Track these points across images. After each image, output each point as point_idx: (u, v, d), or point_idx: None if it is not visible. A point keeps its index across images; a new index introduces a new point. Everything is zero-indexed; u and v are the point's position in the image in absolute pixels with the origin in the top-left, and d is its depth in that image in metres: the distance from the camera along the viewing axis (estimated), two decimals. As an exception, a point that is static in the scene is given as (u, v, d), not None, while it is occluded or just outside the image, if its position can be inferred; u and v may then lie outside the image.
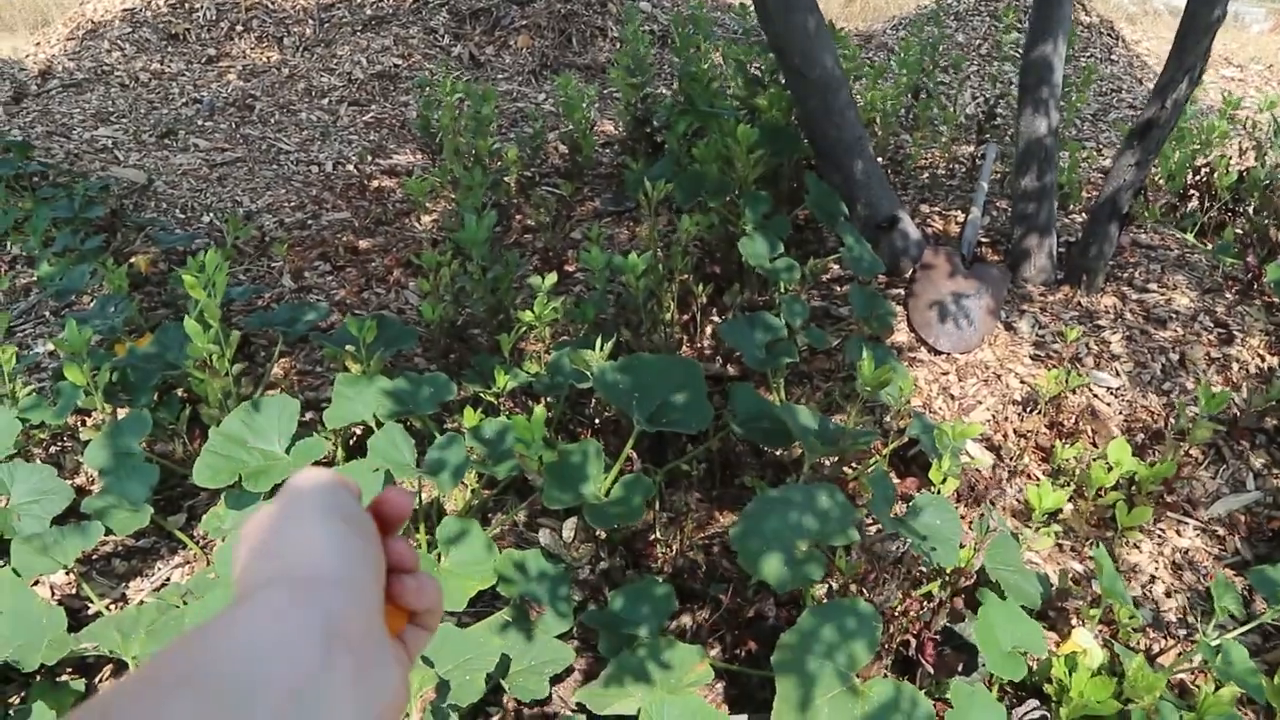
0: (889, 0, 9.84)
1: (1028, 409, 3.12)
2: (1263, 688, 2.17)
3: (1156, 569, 2.76)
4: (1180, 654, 2.49)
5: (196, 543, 2.81)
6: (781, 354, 2.87)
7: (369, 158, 5.38)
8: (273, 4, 6.95)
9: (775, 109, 3.71)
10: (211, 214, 4.71)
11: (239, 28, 6.81)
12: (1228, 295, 3.66)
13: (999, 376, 3.22)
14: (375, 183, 5.08)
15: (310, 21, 6.81)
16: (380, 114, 5.98)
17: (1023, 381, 3.21)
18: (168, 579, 2.77)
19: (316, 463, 2.66)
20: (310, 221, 4.67)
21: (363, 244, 4.42)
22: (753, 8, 3.37)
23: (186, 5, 6.95)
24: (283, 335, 3.36)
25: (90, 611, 2.64)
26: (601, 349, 2.69)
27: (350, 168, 5.29)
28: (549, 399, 3.02)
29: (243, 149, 5.45)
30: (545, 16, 6.90)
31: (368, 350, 2.94)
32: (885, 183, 3.62)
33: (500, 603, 2.49)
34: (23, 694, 2.37)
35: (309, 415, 3.18)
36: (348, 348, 2.97)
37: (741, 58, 4.14)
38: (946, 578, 2.34)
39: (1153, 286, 3.66)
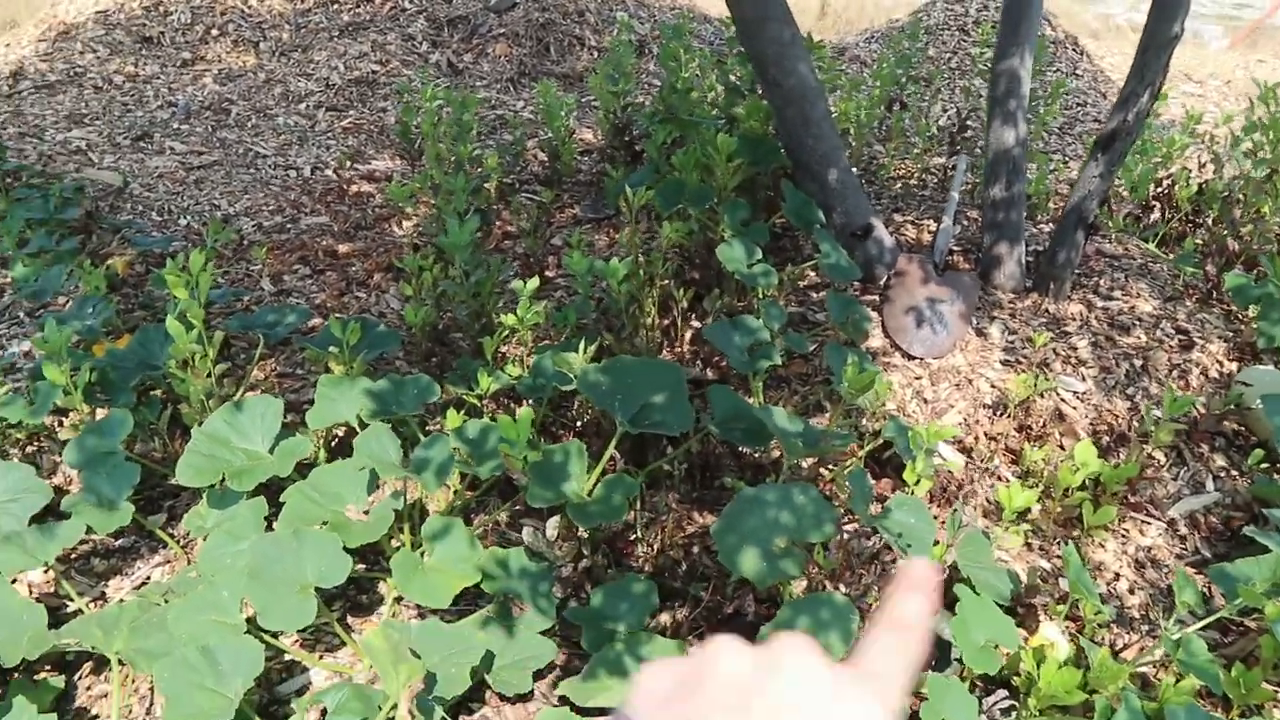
0: (860, 13, 10.00)
1: (998, 412, 3.21)
2: (1220, 679, 2.26)
3: (1121, 567, 2.85)
4: (1143, 648, 2.58)
5: (178, 542, 2.84)
6: (763, 357, 2.94)
7: (348, 163, 5.41)
8: (248, 8, 6.97)
9: (754, 119, 3.79)
10: (189, 217, 4.72)
11: (214, 31, 6.82)
12: (1188, 303, 3.78)
13: (970, 381, 3.30)
14: (354, 188, 5.12)
15: (287, 26, 6.83)
16: (358, 119, 6.01)
17: (993, 385, 3.30)
18: (148, 578, 2.80)
19: (301, 463, 2.70)
20: (289, 226, 4.70)
21: (342, 248, 4.45)
22: (731, 19, 3.45)
23: (161, 8, 6.95)
24: (264, 337, 3.39)
25: (69, 609, 2.66)
26: (585, 351, 2.75)
27: (329, 173, 5.32)
28: (532, 401, 3.07)
29: (219, 153, 5.46)
30: (523, 25, 6.96)
31: (351, 352, 2.98)
32: (860, 191, 3.71)
33: (484, 600, 2.54)
34: (1, 690, 2.39)
35: (290, 416, 3.20)
36: (331, 349, 3.01)
37: (722, 68, 4.22)
38: (920, 574, 2.41)
39: (1117, 294, 3.77)
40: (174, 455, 2.84)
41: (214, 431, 2.66)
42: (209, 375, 2.82)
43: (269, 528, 2.56)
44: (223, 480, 2.53)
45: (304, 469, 2.73)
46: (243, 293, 4.01)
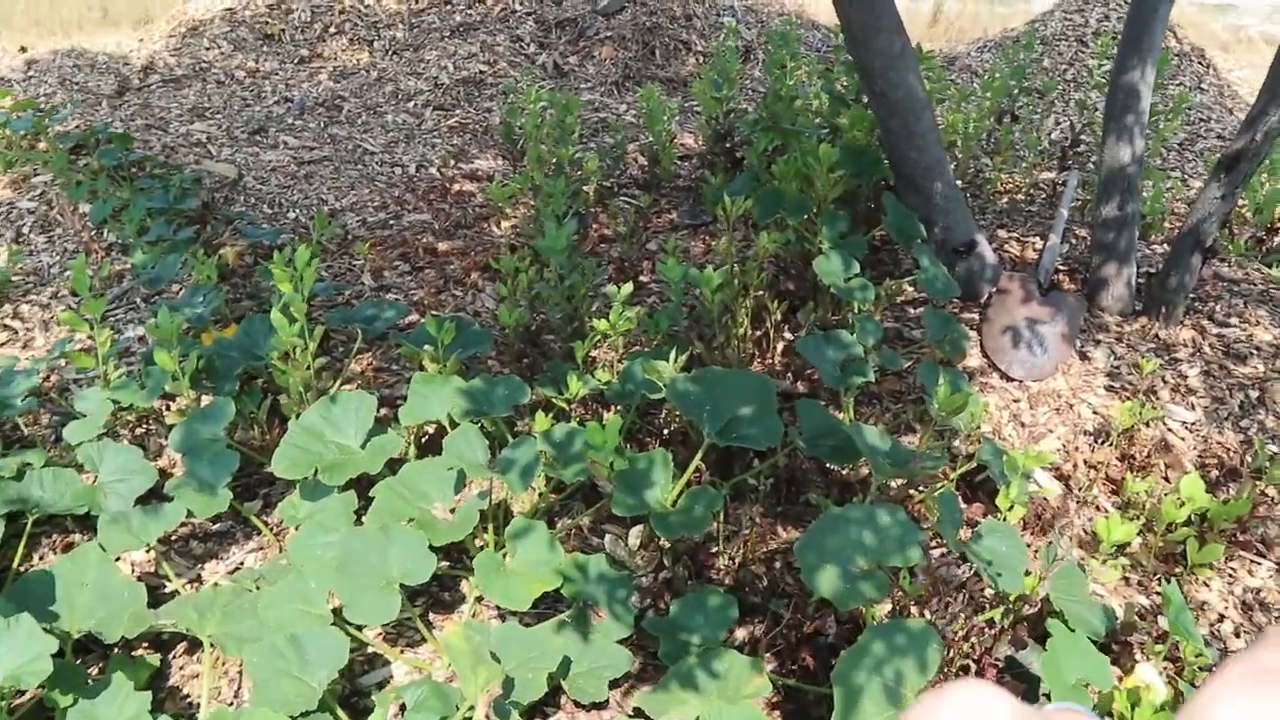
0: (974, 22, 9.79)
1: (1099, 440, 3.10)
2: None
3: (1225, 608, 2.72)
4: (1247, 696, 2.45)
5: (271, 530, 2.91)
6: (856, 373, 2.88)
7: (451, 162, 5.49)
8: (365, 7, 7.13)
9: (857, 129, 3.73)
10: (297, 210, 4.84)
11: (332, 30, 6.99)
12: (1313, 334, 3.59)
13: (1071, 406, 3.20)
14: (456, 186, 5.19)
15: (401, 26, 6.97)
16: (464, 119, 6.09)
17: (1095, 412, 3.18)
18: (241, 563, 2.87)
19: (392, 459, 2.74)
20: (392, 222, 4.79)
21: (442, 246, 4.52)
22: (840, 28, 3.39)
23: (284, 6, 7.16)
24: (362, 332, 3.46)
25: (168, 589, 2.75)
26: (675, 360, 2.73)
27: (433, 171, 5.41)
28: (620, 407, 3.07)
29: (330, 148, 5.59)
30: (630, 28, 6.98)
31: (445, 351, 3.02)
32: (964, 206, 3.62)
33: (563, 604, 2.54)
34: (101, 664, 2.48)
35: (383, 411, 3.27)
36: (425, 347, 3.05)
37: (828, 76, 4.16)
38: (1010, 605, 2.34)
39: (1234, 321, 3.60)
40: (272, 444, 2.91)
41: (309, 425, 2.72)
42: (308, 368, 2.88)
43: (358, 522, 2.60)
44: (315, 473, 2.58)
45: (394, 465, 2.77)
46: (344, 287, 4.09)
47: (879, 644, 2.00)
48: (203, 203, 4.58)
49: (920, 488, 2.89)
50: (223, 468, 2.70)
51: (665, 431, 3.18)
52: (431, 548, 2.38)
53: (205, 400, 3.01)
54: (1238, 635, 2.65)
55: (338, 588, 2.29)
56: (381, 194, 5.08)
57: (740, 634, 2.57)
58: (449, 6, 7.15)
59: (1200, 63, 7.05)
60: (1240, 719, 0.49)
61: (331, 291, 3.94)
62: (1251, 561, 2.85)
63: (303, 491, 2.68)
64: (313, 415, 2.72)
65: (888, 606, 2.50)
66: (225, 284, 3.98)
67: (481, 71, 6.58)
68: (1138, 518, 2.85)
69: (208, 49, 6.80)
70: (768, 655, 2.48)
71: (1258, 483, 2.91)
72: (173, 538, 2.94)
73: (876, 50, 3.25)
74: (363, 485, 2.71)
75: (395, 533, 2.37)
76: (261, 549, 2.91)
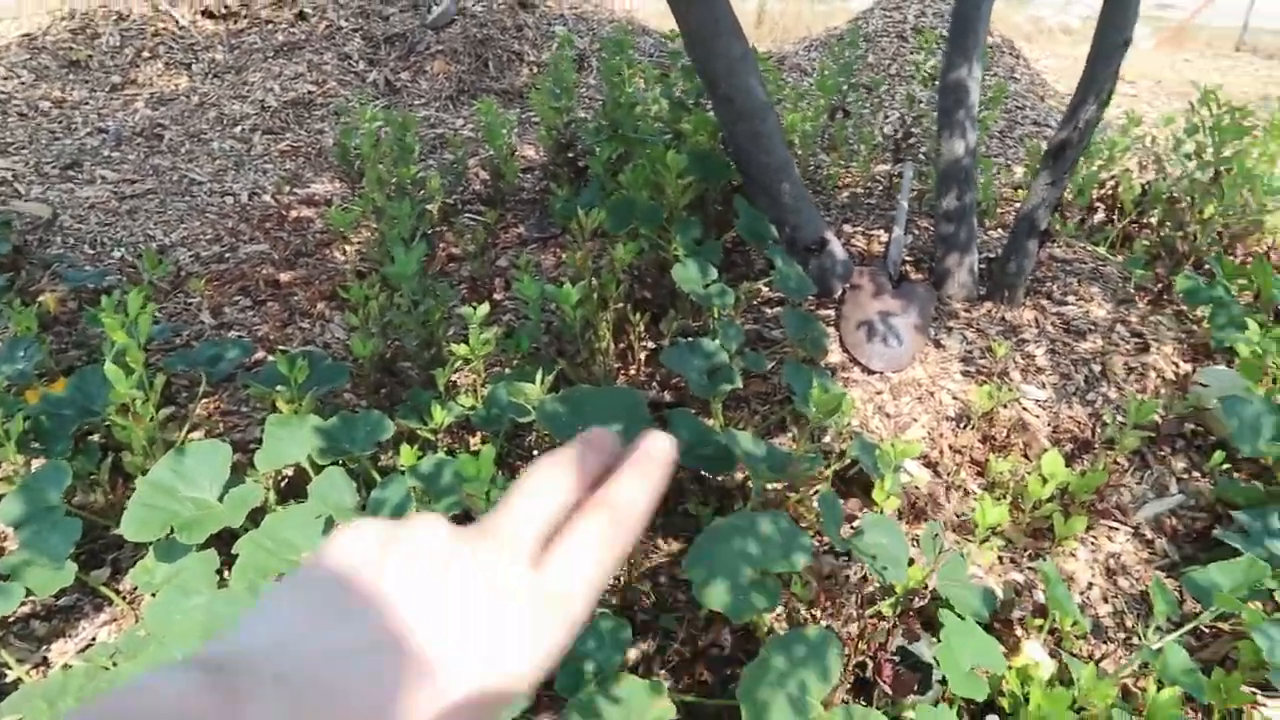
0: (797, 21, 10.03)
1: (961, 424, 3.18)
2: (1203, 687, 2.23)
3: (1092, 576, 2.82)
4: (1120, 658, 2.55)
5: (124, 598, 2.70)
6: (723, 379, 2.87)
7: (286, 187, 5.27)
8: (180, 30, 6.79)
9: (701, 133, 3.74)
10: (123, 249, 4.56)
11: (145, 54, 6.64)
12: (1141, 306, 3.79)
13: (932, 393, 3.27)
14: (293, 213, 4.98)
15: (220, 48, 6.67)
16: (295, 142, 5.87)
17: (955, 397, 3.27)
18: (93, 639, 2.65)
19: (254, 510, 2.58)
20: (228, 255, 4.55)
21: (284, 277, 4.32)
22: (679, 34, 3.39)
23: (89, 30, 6.75)
24: (206, 375, 3.26)
25: (9, 679, 2.51)
26: (542, 381, 2.66)
27: (267, 198, 5.18)
28: (488, 433, 2.98)
29: (153, 180, 5.29)
30: (461, 41, 6.86)
31: (299, 389, 2.87)
32: (812, 205, 3.67)
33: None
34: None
35: (237, 456, 3.08)
36: (278, 387, 2.89)
37: (667, 81, 4.16)
38: (899, 597, 2.37)
39: (1070, 299, 3.77)
40: (117, 505, 2.70)
41: (159, 481, 2.53)
42: (151, 420, 2.69)
43: (222, 581, 2.44)
44: (170, 533, 2.40)
45: (256, 516, 2.61)
46: (182, 328, 3.87)
47: (779, 657, 1.98)
48: (14, 247, 4.24)
49: (795, 489, 2.90)
50: (64, 537, 2.48)
51: (536, 453, 3.10)
52: (304, 601, 2.24)
53: (37, 464, 2.78)
54: (1105, 600, 2.76)
55: (204, 655, 2.13)
56: (214, 226, 4.83)
57: (632, 654, 2.51)
58: (270, 26, 6.88)
59: (1011, 54, 7.41)
60: None
61: (168, 334, 3.71)
62: (1110, 528, 2.97)
63: (157, 553, 2.48)
64: (162, 470, 2.53)
65: (780, 611, 2.50)
66: (48, 334, 3.70)
67: (310, 92, 6.35)
68: (1004, 497, 2.93)
69: (5, 79, 6.35)
70: (662, 674, 2.44)
71: (1110, 453, 3.04)
72: (10, 620, 2.69)
73: (718, 54, 3.26)
74: (224, 541, 2.53)
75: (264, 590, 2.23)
76: (115, 620, 2.69)
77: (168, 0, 6.80)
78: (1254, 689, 2.49)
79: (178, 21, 6.77)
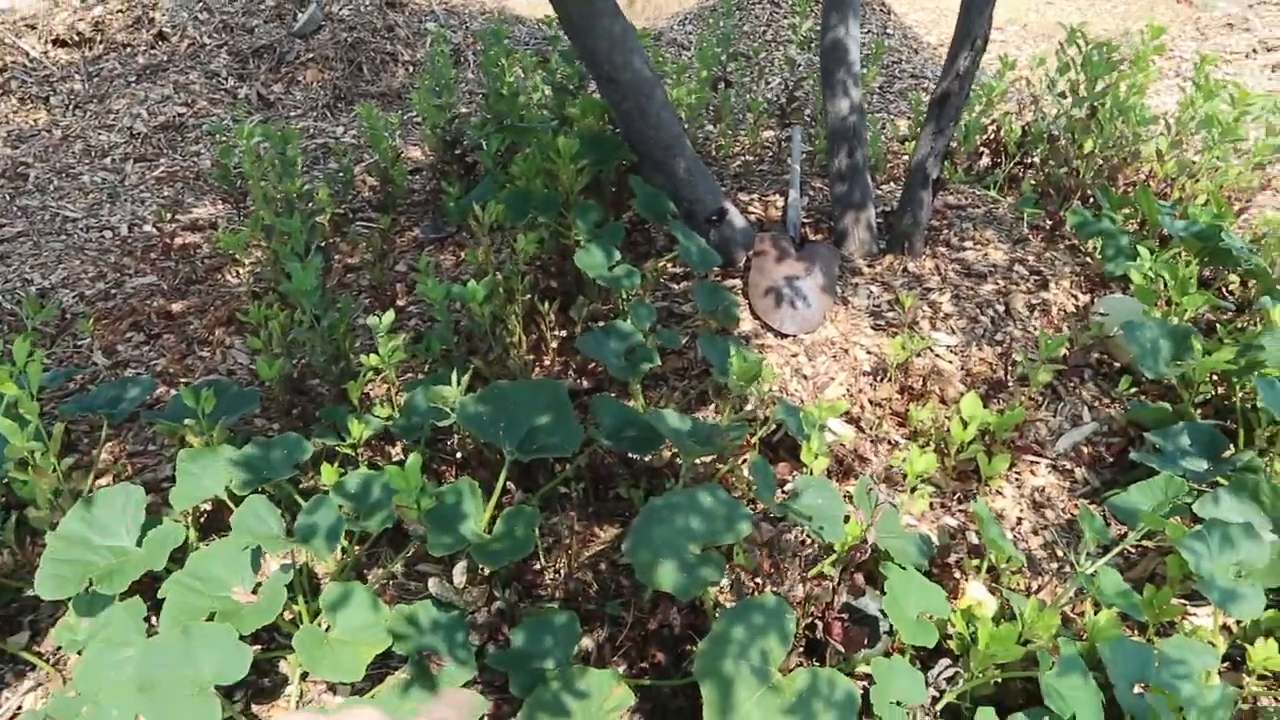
0: (668, -4, 10.02)
1: (878, 378, 3.22)
2: (1138, 605, 2.30)
3: (1021, 511, 2.89)
4: (1056, 588, 2.62)
5: (47, 660, 2.57)
6: (642, 359, 2.86)
7: (167, 215, 5.07)
8: (32, 61, 6.47)
9: (589, 116, 3.70)
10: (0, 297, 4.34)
11: (-5, 91, 6.31)
12: (1035, 243, 3.88)
13: (846, 350, 3.30)
14: (179, 240, 4.80)
15: (78, 77, 6.37)
16: (172, 167, 5.65)
17: (868, 352, 3.31)
18: (19, 708, 2.51)
19: (175, 551, 2.47)
20: (114, 291, 4.37)
21: (176, 307, 4.16)
22: (557, 18, 3.34)
23: (-70, 73, 6.40)
24: (107, 418, 3.12)
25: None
26: (459, 382, 2.61)
27: (148, 228, 4.98)
28: (409, 442, 2.91)
29: (23, 222, 5.05)
30: (332, 48, 6.68)
31: (208, 420, 2.76)
32: (708, 177, 3.67)
33: (398, 662, 2.38)
34: None
35: (151, 498, 2.96)
36: (186, 421, 2.78)
37: (547, 68, 4.11)
38: (837, 555, 2.38)
39: (968, 244, 3.84)
40: (27, 565, 2.57)
41: (70, 533, 2.41)
42: (54, 471, 2.56)
43: (151, 629, 2.34)
44: (89, 586, 2.29)
45: (179, 557, 2.50)
46: (75, 371, 3.69)
47: (739, 628, 1.98)
48: (-121, 306, 4.01)
49: (724, 460, 2.91)
50: (-28, 604, 2.36)
51: (459, 456, 3.05)
52: (242, 637, 2.17)
53: (-67, 530, 2.62)
54: (1035, 533, 2.82)
55: (143, 709, 2.04)
56: (95, 262, 4.63)
57: (586, 644, 2.49)
58: (129, 50, 6.61)
59: (882, 10, 7.52)
60: None
61: (61, 380, 3.54)
62: (1032, 463, 3.04)
63: (78, 609, 2.36)
64: (71, 522, 2.41)
65: (729, 584, 2.50)
66: (-73, 393, 3.49)
67: (180, 114, 6.12)
68: (928, 444, 2.98)
69: None
70: (615, 659, 2.42)
71: (1024, 390, 3.11)
72: (-77, 696, 2.54)
73: (599, 34, 3.22)
74: (148, 587, 2.42)
75: (198, 632, 2.14)
76: (41, 685, 2.56)
77: (12, 32, 6.48)
78: (1183, 600, 2.57)
79: (28, 53, 6.46)
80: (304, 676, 2.41)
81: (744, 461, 2.82)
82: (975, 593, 2.39)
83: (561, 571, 2.65)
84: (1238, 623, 2.53)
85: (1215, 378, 3.17)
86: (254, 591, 2.36)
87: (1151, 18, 7.60)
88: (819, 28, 3.82)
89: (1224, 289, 3.79)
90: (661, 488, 2.78)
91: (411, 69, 6.78)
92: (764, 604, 2.02)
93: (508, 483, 2.65)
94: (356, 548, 2.73)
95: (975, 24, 3.28)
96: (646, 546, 2.20)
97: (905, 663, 2.05)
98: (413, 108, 5.49)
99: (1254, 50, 6.74)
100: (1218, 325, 3.41)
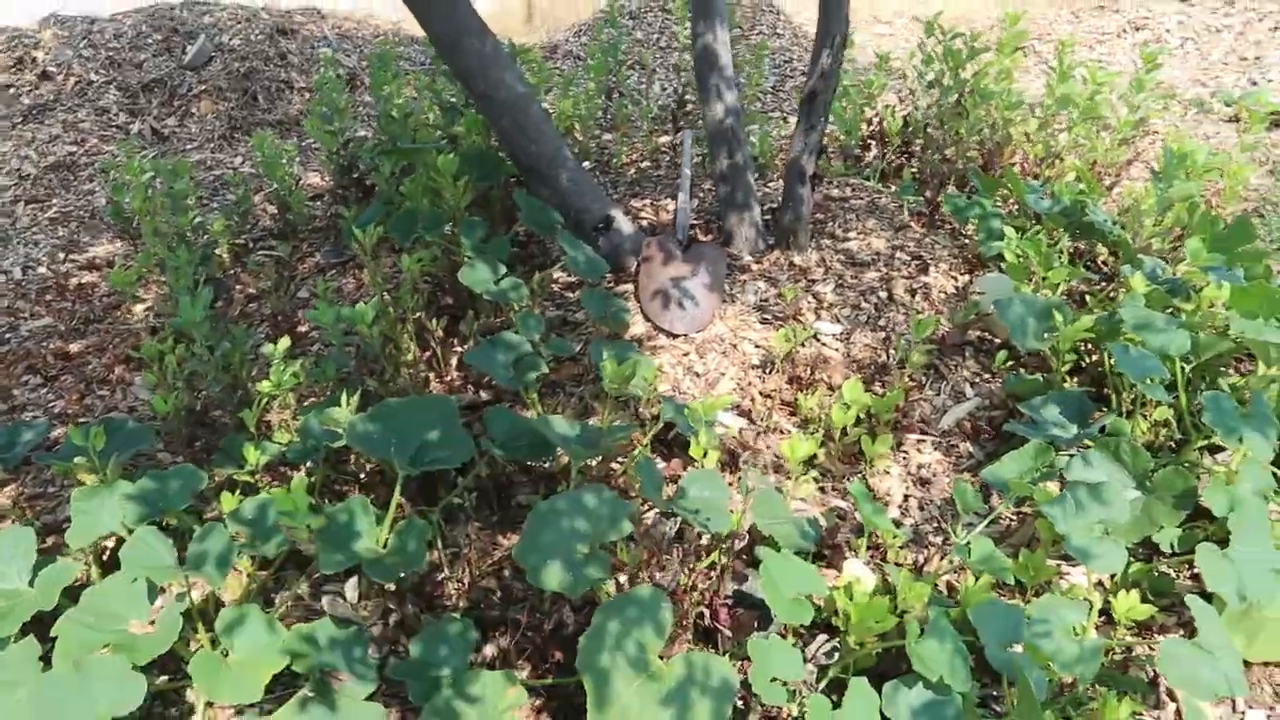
0: (570, 9, 10.08)
1: (767, 370, 3.32)
2: (1007, 569, 2.42)
3: (908, 488, 3.00)
4: (943, 560, 2.73)
5: (-55, 707, 2.57)
6: (529, 369, 2.92)
7: (62, 256, 5.02)
8: (-92, 110, 6.35)
9: (474, 134, 3.76)
10: (-111, 350, 4.27)
11: (-126, 141, 6.18)
12: (916, 229, 4.02)
13: (735, 346, 3.40)
14: (74, 280, 4.76)
15: (-41, 122, 6.27)
16: (65, 208, 5.58)
17: (757, 346, 3.41)
18: (-84, 756, 2.51)
19: (75, 588, 2.48)
20: (9, 335, 4.32)
21: (74, 348, 4.14)
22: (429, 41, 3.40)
23: None
24: (1, 464, 3.11)
25: None
26: (348, 403, 2.65)
27: (42, 270, 4.93)
28: (308, 464, 2.95)
29: (-90, 271, 4.96)
30: (224, 78, 6.65)
31: (101, 458, 2.77)
32: (593, 185, 3.75)
33: (301, 681, 2.42)
34: None
35: (51, 540, 2.97)
36: (78, 460, 2.79)
37: (435, 89, 4.16)
38: (724, 544, 2.47)
39: (852, 235, 3.97)
40: (-83, 616, 2.55)
41: (-42, 581, 2.41)
42: (-59, 520, 2.56)
43: (47, 668, 2.34)
44: (-22, 630, 2.29)
45: (75, 593, 2.51)
46: (-35, 420, 3.66)
47: (613, 622, 2.05)
48: None
49: (620, 460, 2.98)
50: None
51: (362, 476, 3.09)
52: (141, 667, 2.19)
53: None
54: (922, 508, 2.94)
55: (39, 747, 2.06)
56: (-14, 309, 4.57)
57: (489, 650, 2.54)
58: (11, 91, 6.50)
59: (771, 11, 7.67)
60: None
61: (-49, 429, 3.51)
62: (918, 441, 3.16)
63: (-30, 656, 2.37)
64: (-40, 571, 2.42)
65: (620, 579, 2.57)
66: None
67: (71, 153, 6.05)
68: (817, 431, 3.09)
69: None
70: (520, 662, 2.48)
71: (904, 371, 3.24)
72: None
73: (467, 53, 3.29)
74: (45, 627, 2.43)
75: (91, 665, 2.15)
76: (-64, 733, 2.55)
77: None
78: (1059, 561, 2.71)
79: (-92, 100, 6.34)
80: (209, 705, 2.44)
81: (634, 461, 2.89)
82: (854, 569, 2.49)
83: (464, 581, 2.70)
84: (1111, 578, 2.67)
85: (1089, 346, 3.32)
86: (151, 624, 2.39)
87: (1029, 3, 7.85)
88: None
89: (1096, 261, 3.96)
90: (556, 492, 2.85)
91: (307, 95, 6.77)
92: (638, 596, 2.09)
93: (402, 498, 2.69)
94: (261, 573, 2.76)
95: (834, 22, 3.41)
96: (535, 550, 2.26)
97: (780, 641, 2.14)
98: (309, 134, 5.49)
99: (1123, 30, 7.02)
100: (1088, 296, 3.57)
